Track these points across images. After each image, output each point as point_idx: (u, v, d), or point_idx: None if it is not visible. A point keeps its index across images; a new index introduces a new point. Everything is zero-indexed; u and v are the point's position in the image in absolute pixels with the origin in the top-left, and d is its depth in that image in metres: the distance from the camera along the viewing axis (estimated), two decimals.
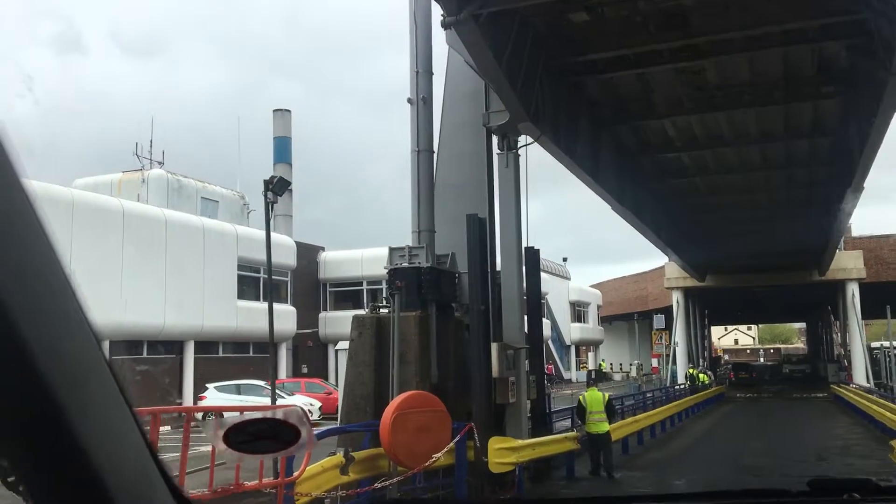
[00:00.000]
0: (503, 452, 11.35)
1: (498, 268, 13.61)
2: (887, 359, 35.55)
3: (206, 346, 30.56)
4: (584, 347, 64.94)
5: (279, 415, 2.26)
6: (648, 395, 27.40)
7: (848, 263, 38.86)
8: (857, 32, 12.62)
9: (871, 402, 23.64)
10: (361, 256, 36.62)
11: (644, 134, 20.11)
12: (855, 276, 38.94)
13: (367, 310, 13.87)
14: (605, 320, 66.34)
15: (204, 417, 15.16)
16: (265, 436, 2.16)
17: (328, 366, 37.22)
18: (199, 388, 26.73)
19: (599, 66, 14.78)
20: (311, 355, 37.63)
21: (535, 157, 14.66)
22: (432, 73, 13.25)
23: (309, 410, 21.12)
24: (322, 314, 38.65)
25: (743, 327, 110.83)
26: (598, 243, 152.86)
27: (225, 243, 31.06)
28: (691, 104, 17.25)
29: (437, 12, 11.86)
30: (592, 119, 17.84)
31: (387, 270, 12.53)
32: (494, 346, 12.50)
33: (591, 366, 61.30)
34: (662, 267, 44.72)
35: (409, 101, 12.93)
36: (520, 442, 11.98)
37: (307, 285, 37.85)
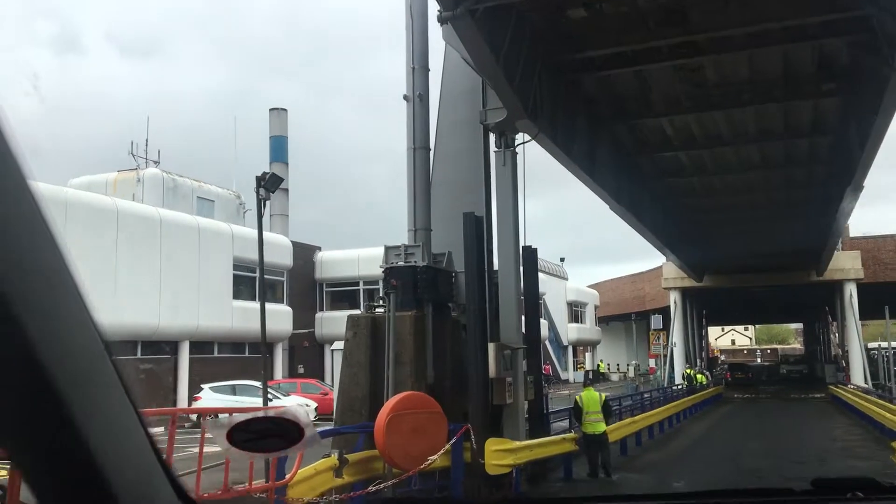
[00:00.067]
0: (500, 454, 11.19)
1: (495, 267, 13.45)
2: (885, 359, 35.48)
3: (201, 346, 30.36)
4: (581, 348, 64.83)
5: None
6: (646, 395, 27.25)
7: (846, 264, 38.80)
8: (859, 29, 12.48)
9: (869, 403, 23.52)
10: (358, 256, 36.47)
11: (642, 133, 19.97)
12: (853, 277, 38.90)
13: (362, 309, 13.69)
14: (602, 321, 66.24)
15: (199, 419, 14.96)
16: (266, 435, 2.14)
17: (324, 366, 37.07)
18: (195, 389, 26.52)
19: (597, 62, 14.63)
20: (307, 356, 37.47)
21: (532, 157, 14.53)
22: (429, 70, 13.08)
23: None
24: (318, 314, 38.49)
25: (740, 328, 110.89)
26: (595, 244, 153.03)
27: (220, 243, 30.88)
28: (690, 103, 17.11)
29: (433, 8, 11.73)
30: (590, 117, 17.69)
31: (382, 269, 12.36)
32: (491, 347, 12.34)
33: (588, 366, 61.19)
34: (660, 267, 44.63)
35: (406, 97, 12.75)
36: (517, 443, 11.83)
37: (304, 285, 37.68)
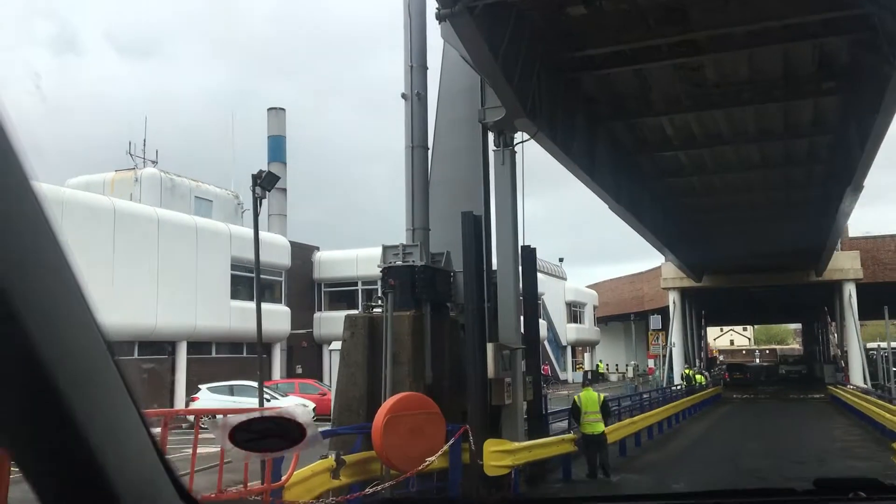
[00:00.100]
0: (499, 455, 11.11)
1: (494, 267, 13.37)
2: (884, 360, 35.43)
3: (199, 346, 30.25)
4: (580, 348, 64.75)
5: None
6: (645, 396, 27.18)
7: (845, 264, 38.75)
8: (860, 27, 12.41)
9: (869, 404, 23.45)
10: (356, 256, 36.38)
11: (641, 132, 19.90)
12: (852, 277, 38.85)
13: (361, 310, 13.59)
14: (601, 321, 66.18)
15: (195, 420, 14.88)
16: (268, 435, 2.15)
17: (323, 367, 36.99)
18: (192, 390, 26.42)
19: (597, 61, 14.55)
20: (305, 356, 37.37)
21: (531, 157, 14.44)
22: (427, 68, 12.99)
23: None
24: (317, 314, 38.40)
25: (739, 328, 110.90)
26: (594, 244, 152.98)
27: (218, 243, 30.77)
28: (689, 102, 17.04)
29: (431, 6, 11.64)
30: (589, 116, 17.61)
31: (380, 269, 12.27)
32: (490, 347, 12.25)
33: (587, 366, 61.13)
34: (659, 267, 44.56)
35: (403, 96, 12.67)
36: (516, 444, 11.74)
37: (302, 285, 37.58)
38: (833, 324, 46.92)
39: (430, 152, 13.30)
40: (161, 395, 27.38)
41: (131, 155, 34.62)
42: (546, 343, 50.22)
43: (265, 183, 9.10)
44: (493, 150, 13.69)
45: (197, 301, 28.95)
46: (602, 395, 14.89)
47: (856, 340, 38.14)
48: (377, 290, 12.56)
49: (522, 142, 13.83)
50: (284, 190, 39.95)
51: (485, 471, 10.85)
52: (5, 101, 0.90)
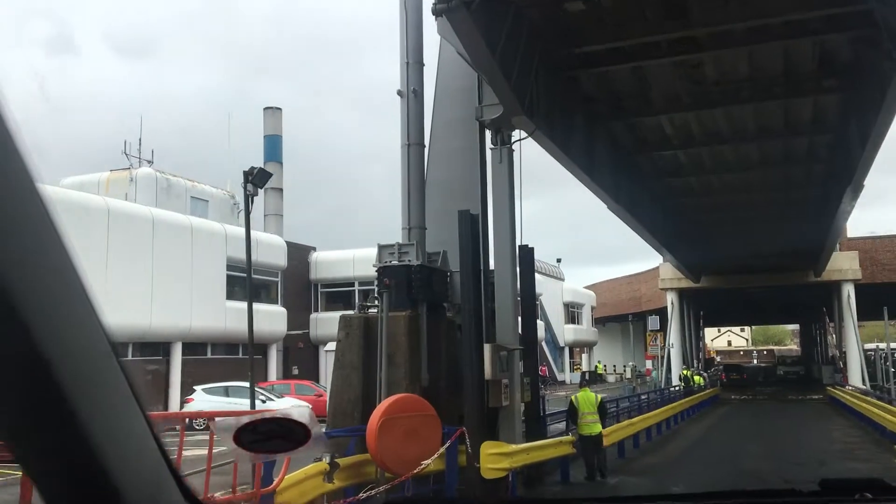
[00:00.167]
0: (496, 458, 10.94)
1: (491, 266, 13.20)
2: (883, 360, 35.32)
3: (194, 347, 30.06)
4: (577, 349, 64.63)
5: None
6: (643, 397, 27.06)
7: (844, 264, 38.65)
8: (861, 24, 12.27)
9: (868, 405, 23.32)
10: (353, 257, 36.19)
11: (640, 131, 19.74)
12: (850, 278, 38.74)
13: (356, 310, 13.42)
14: (598, 322, 66.09)
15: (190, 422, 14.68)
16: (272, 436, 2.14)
17: (319, 368, 36.79)
18: (187, 391, 26.23)
19: (595, 58, 14.38)
20: (301, 357, 37.20)
21: (528, 158, 14.28)
22: (423, 65, 12.83)
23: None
24: (313, 315, 38.22)
25: (736, 329, 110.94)
26: (591, 245, 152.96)
27: (214, 243, 30.58)
28: (689, 100, 16.88)
29: (428, 1, 11.44)
30: (588, 115, 17.45)
31: (376, 269, 12.10)
32: (487, 348, 12.08)
33: (584, 367, 61.00)
34: (657, 268, 44.44)
35: (399, 93, 12.50)
36: (513, 447, 11.57)
37: (298, 286, 37.41)
38: (831, 325, 46.81)
39: (426, 150, 13.15)
40: (155, 396, 27.17)
41: (127, 155, 34.50)
42: (544, 344, 50.07)
43: (257, 180, 8.93)
44: (491, 149, 13.53)
45: (192, 301, 28.76)
46: (599, 397, 14.81)
47: (854, 341, 38.04)
48: (374, 290, 12.39)
49: (520, 140, 13.66)
50: (281, 190, 39.79)
51: (482, 474, 10.69)
52: (12, 103, 0.89)
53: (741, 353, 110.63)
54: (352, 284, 36.63)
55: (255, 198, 9.22)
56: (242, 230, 30.88)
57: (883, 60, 11.90)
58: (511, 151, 13.56)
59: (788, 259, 35.14)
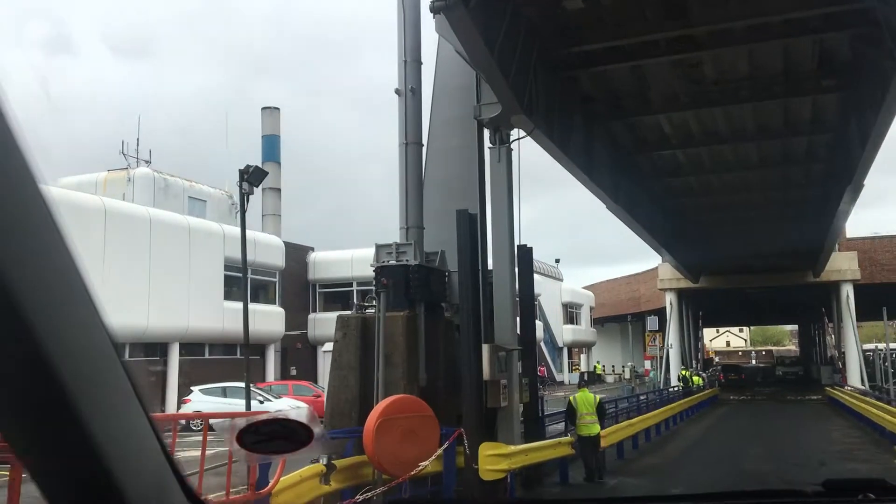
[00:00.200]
0: (494, 459, 10.85)
1: (489, 266, 13.12)
2: (883, 361, 35.27)
3: (191, 347, 29.95)
4: (576, 349, 64.55)
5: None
6: (642, 398, 26.99)
7: (843, 265, 38.58)
8: (861, 22, 12.21)
9: (868, 405, 23.25)
10: (351, 257, 36.10)
11: (639, 131, 19.67)
12: (849, 278, 38.68)
13: (353, 310, 13.31)
14: (597, 322, 66.01)
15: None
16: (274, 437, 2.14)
17: (317, 368, 36.69)
18: (185, 391, 26.11)
19: (594, 57, 14.30)
20: (300, 357, 37.09)
21: (526, 159, 14.20)
22: (421, 63, 12.75)
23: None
24: (311, 315, 38.12)
25: (735, 329, 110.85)
26: (590, 245, 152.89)
27: (212, 243, 30.47)
28: (688, 99, 16.81)
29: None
30: (587, 114, 17.37)
31: (373, 268, 12.01)
32: (486, 348, 12.00)
33: (583, 368, 60.93)
34: (655, 268, 44.37)
35: (397, 91, 12.41)
36: (512, 448, 11.47)
37: (296, 286, 37.31)
38: (830, 325, 46.75)
39: (424, 149, 13.06)
40: (152, 397, 27.05)
41: (124, 155, 34.40)
42: (542, 344, 50.01)
43: (252, 178, 8.85)
44: (489, 148, 13.45)
45: (190, 302, 28.65)
46: (598, 397, 14.77)
47: (853, 342, 37.98)
48: (373, 290, 12.30)
49: (519, 139, 13.58)
50: (279, 190, 39.71)
51: (480, 475, 10.60)
52: (12, 103, 0.88)
53: (740, 353, 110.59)
54: (350, 285, 36.53)
55: (250, 196, 9.12)
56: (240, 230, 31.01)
57: (883, 59, 11.83)
58: (510, 151, 13.48)
59: (787, 259, 35.08)
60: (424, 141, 13.10)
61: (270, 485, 6.69)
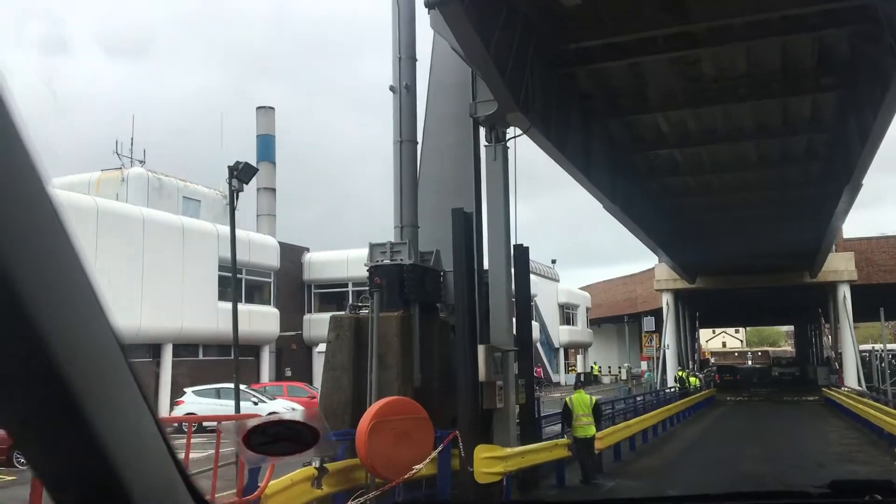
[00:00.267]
0: (490, 461, 10.68)
1: (485, 266, 12.96)
2: (880, 361, 35.19)
3: (185, 348, 29.73)
4: (572, 350, 64.45)
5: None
6: (639, 399, 26.87)
7: (839, 265, 38.51)
8: (861, 18, 12.08)
9: (866, 406, 23.14)
10: (347, 257, 35.92)
11: (637, 129, 19.52)
12: (846, 279, 38.60)
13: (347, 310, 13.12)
14: (593, 323, 65.93)
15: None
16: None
17: (312, 369, 36.48)
18: (178, 393, 25.90)
19: (591, 54, 14.15)
20: (295, 358, 36.91)
21: (522, 158, 14.04)
22: (416, 60, 12.57)
23: None
24: (306, 316, 37.94)
25: (731, 330, 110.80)
26: (586, 246, 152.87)
27: (206, 243, 30.27)
28: (686, 97, 16.67)
29: None
30: (584, 113, 17.22)
31: (367, 268, 11.84)
32: (481, 349, 11.84)
33: (579, 369, 60.82)
34: (652, 269, 44.26)
35: (392, 88, 12.23)
36: (508, 450, 11.31)
37: (291, 287, 37.13)
38: (827, 326, 46.67)
39: (419, 147, 12.89)
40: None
41: (118, 154, 34.18)
42: (538, 345, 49.88)
43: (242, 175, 8.67)
44: (485, 146, 13.30)
45: (183, 302, 28.44)
46: (594, 398, 14.69)
47: (850, 342, 37.90)
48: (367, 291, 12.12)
49: (515, 137, 13.42)
50: (273, 190, 39.51)
51: (475, 478, 10.45)
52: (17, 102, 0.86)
53: (736, 354, 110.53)
54: (345, 285, 36.35)
55: (245, 196, 8.99)
56: (237, 231, 30.81)
57: (883, 56, 11.70)
58: (506, 149, 13.32)
59: (784, 260, 34.99)
60: (419, 139, 12.93)
61: (259, 489, 6.50)
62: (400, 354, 11.13)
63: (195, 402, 23.40)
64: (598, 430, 14.44)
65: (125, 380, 1.02)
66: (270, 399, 24.74)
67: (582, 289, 65.25)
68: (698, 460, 18.15)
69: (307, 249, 39.18)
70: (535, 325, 41.15)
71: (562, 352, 59.60)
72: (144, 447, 1.04)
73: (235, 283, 10.80)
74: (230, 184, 8.76)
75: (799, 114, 18.13)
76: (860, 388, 32.92)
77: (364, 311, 11.82)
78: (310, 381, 33.10)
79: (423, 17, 12.55)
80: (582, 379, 30.19)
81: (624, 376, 53.52)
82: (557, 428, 15.81)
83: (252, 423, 2.21)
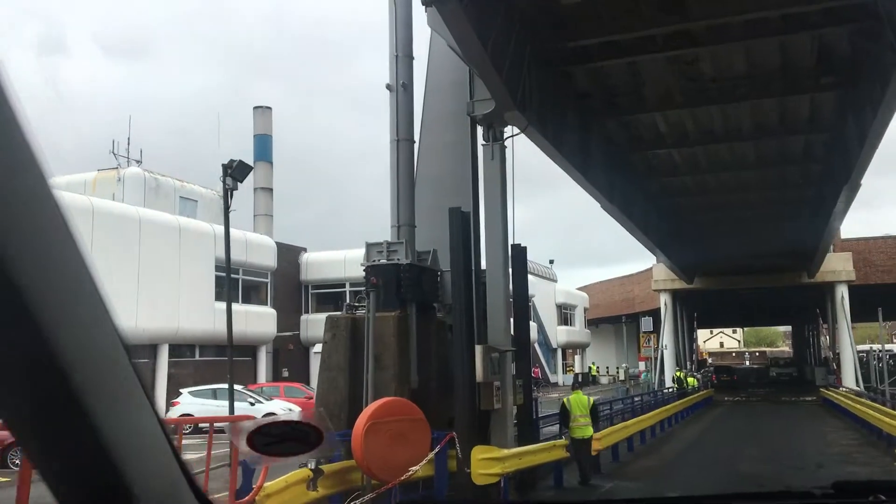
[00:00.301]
0: (487, 463, 10.59)
1: (483, 266, 12.86)
2: (878, 362, 35.14)
3: (181, 349, 29.61)
4: (570, 350, 64.39)
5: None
6: (637, 399, 26.79)
7: (837, 265, 38.49)
8: (861, 16, 12.01)
9: (865, 407, 23.08)
10: (344, 258, 35.81)
11: (635, 129, 19.46)
12: (844, 279, 38.58)
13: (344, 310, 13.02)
14: (591, 323, 65.86)
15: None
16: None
17: (310, 370, 36.38)
18: (174, 394, 25.77)
19: (590, 52, 14.07)
20: (292, 359, 36.79)
21: (520, 158, 13.96)
22: (413, 58, 12.48)
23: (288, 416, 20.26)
24: (304, 317, 37.81)
25: (728, 330, 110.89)
26: (584, 246, 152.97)
27: (202, 243, 30.13)
28: (684, 97, 16.61)
29: None
30: (581, 111, 17.14)
31: (363, 267, 11.74)
32: (479, 349, 11.75)
33: (577, 369, 60.75)
34: (650, 269, 44.21)
35: (389, 87, 12.13)
36: (505, 451, 11.22)
37: (289, 287, 37.01)
38: (825, 326, 46.66)
39: (416, 146, 12.80)
40: None
41: (115, 154, 34.07)
42: (536, 345, 49.80)
43: (236, 173, 8.57)
44: (483, 145, 13.20)
45: (180, 302, 28.31)
46: (592, 399, 14.59)
47: (848, 342, 37.88)
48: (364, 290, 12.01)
49: (513, 136, 13.33)
50: (271, 190, 39.41)
51: (473, 479, 10.35)
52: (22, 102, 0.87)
53: (733, 354, 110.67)
54: (343, 285, 36.22)
55: (243, 196, 8.90)
56: (233, 231, 30.65)
57: (884, 54, 11.63)
58: (503, 148, 13.23)
59: (782, 260, 34.96)
60: (416, 138, 12.84)
61: (253, 492, 6.41)
62: (397, 355, 11.04)
63: (191, 403, 23.27)
64: (595, 430, 14.37)
65: (129, 379, 1.02)
66: (267, 400, 24.62)
67: (580, 289, 65.19)
68: (697, 461, 18.07)
69: (304, 250, 39.07)
70: (532, 325, 41.07)
71: (560, 352, 59.53)
72: (148, 447, 1.04)
73: (230, 282, 10.71)
74: (224, 182, 8.66)
75: (797, 113, 18.08)
76: (858, 389, 32.89)
77: (361, 311, 11.73)
78: (307, 382, 33.01)
79: (420, 14, 12.49)
80: (580, 380, 30.18)
81: (622, 377, 53.49)
82: (555, 429, 15.73)
83: (246, 424, 2.17)
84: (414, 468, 8.63)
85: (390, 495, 8.78)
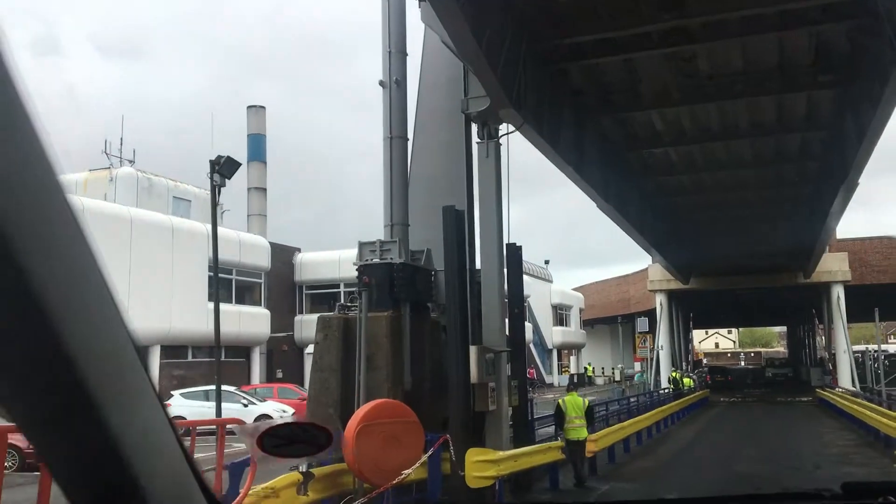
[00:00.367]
0: (482, 465, 10.41)
1: (477, 265, 12.71)
2: (874, 362, 35.12)
3: (174, 350, 29.37)
4: (566, 351, 64.30)
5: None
6: (633, 400, 26.69)
7: (833, 266, 38.46)
8: (859, 13, 11.89)
9: (861, 407, 22.99)
10: (339, 258, 35.61)
11: (631, 127, 19.32)
12: (840, 279, 38.57)
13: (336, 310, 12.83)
14: (587, 324, 65.80)
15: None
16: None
17: (304, 371, 36.19)
18: (166, 396, 25.56)
19: (585, 49, 13.92)
20: (286, 360, 36.59)
21: (515, 158, 13.82)
22: (406, 54, 12.29)
23: (281, 417, 20.09)
24: (298, 317, 37.61)
25: (723, 331, 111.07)
26: (579, 247, 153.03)
27: (195, 243, 29.91)
28: (680, 94, 16.46)
29: None
30: (577, 109, 16.98)
31: (356, 266, 11.56)
32: (473, 350, 11.59)
33: (573, 370, 60.65)
34: (645, 270, 44.14)
35: (381, 83, 11.94)
36: (500, 453, 11.04)
37: (283, 287, 36.81)
38: (820, 326, 46.66)
39: (410, 144, 12.63)
40: None
41: (107, 154, 33.87)
42: (531, 346, 49.68)
43: (224, 170, 8.38)
44: (477, 143, 13.06)
45: (172, 303, 28.08)
46: (587, 400, 14.48)
47: (844, 343, 37.85)
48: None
49: (507, 134, 13.18)
50: (264, 190, 39.22)
51: (467, 482, 10.17)
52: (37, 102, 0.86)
53: (728, 355, 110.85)
54: (338, 286, 36.06)
55: (231, 193, 8.75)
56: (226, 230, 30.48)
57: (883, 50, 11.50)
58: (498, 146, 13.08)
59: (778, 260, 34.92)
60: (410, 135, 12.67)
61: (241, 495, 6.21)
62: (390, 355, 10.86)
63: (183, 405, 23.06)
64: (591, 432, 14.23)
65: (140, 381, 1.02)
66: (261, 401, 24.43)
67: (575, 289, 65.11)
68: (693, 462, 17.95)
69: (298, 250, 38.88)
70: (528, 325, 40.96)
71: (555, 353, 59.44)
72: (158, 447, 1.04)
73: (217, 281, 10.55)
74: (211, 178, 8.47)
75: (795, 111, 17.96)
76: (854, 389, 32.84)
77: (353, 311, 11.55)
78: (301, 383, 32.79)
79: (413, 10, 12.33)
80: (574, 381, 30.05)
81: (618, 377, 53.42)
82: (551, 430, 15.59)
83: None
84: (407, 471, 8.44)
85: (383, 499, 8.60)
